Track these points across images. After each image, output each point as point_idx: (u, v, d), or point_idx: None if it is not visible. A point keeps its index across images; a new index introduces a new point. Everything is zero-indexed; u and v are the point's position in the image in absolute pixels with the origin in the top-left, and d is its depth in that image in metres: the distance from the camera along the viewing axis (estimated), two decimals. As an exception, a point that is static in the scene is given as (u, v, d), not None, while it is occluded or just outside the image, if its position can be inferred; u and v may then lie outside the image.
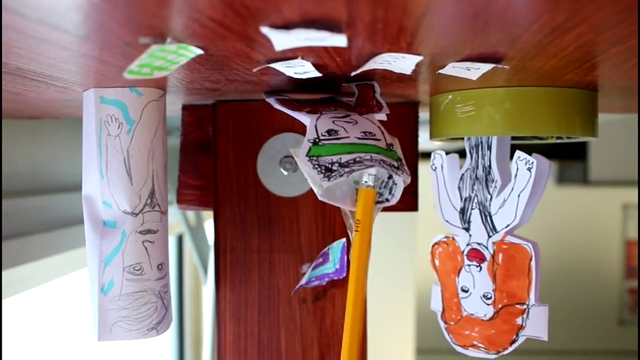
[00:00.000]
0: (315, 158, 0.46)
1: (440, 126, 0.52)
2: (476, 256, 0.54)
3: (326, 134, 0.48)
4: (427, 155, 0.60)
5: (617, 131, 2.67)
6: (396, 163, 0.48)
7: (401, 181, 0.49)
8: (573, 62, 0.37)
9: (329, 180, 0.45)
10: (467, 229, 0.55)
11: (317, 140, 0.48)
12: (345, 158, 0.47)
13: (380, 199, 0.50)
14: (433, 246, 0.57)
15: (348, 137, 0.48)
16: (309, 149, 0.47)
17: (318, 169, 0.46)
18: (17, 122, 0.81)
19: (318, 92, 0.52)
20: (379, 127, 0.50)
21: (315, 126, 0.48)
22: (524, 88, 0.47)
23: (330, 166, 0.46)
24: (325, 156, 0.47)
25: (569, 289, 2.96)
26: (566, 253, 2.96)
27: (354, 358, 0.47)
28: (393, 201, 0.50)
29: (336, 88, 0.50)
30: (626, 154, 2.72)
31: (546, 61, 0.37)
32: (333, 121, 0.49)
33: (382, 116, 0.51)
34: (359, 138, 0.48)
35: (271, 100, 0.50)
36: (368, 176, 0.48)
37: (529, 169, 0.50)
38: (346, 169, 0.46)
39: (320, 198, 0.48)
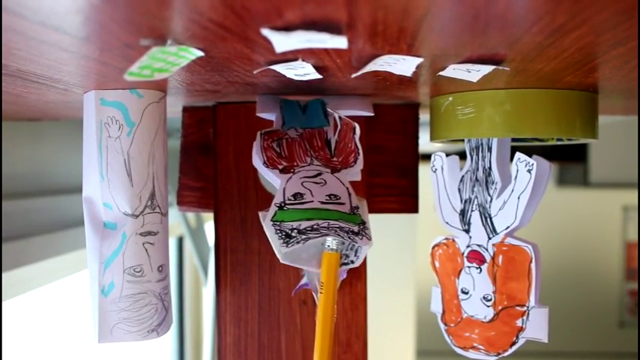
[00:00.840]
0: (278, 223, 0.49)
1: (440, 128, 0.52)
2: (476, 257, 0.54)
3: (292, 198, 0.50)
4: (427, 157, 0.60)
5: (617, 133, 2.67)
6: (356, 229, 0.50)
7: (364, 245, 0.50)
8: (574, 64, 0.37)
9: (287, 246, 0.47)
10: (467, 231, 0.55)
11: (282, 204, 0.50)
12: (303, 225, 0.49)
13: (345, 261, 0.51)
14: (433, 248, 0.57)
15: (312, 202, 0.50)
16: (275, 213, 0.49)
17: (279, 234, 0.48)
18: (17, 124, 0.81)
19: (310, 94, 0.53)
20: (347, 188, 0.52)
21: (284, 189, 0.51)
22: (524, 89, 0.47)
23: (289, 232, 0.48)
24: (287, 222, 0.49)
25: (569, 290, 2.96)
26: (566, 254, 2.96)
27: None
28: (358, 263, 0.52)
29: (330, 90, 0.50)
30: (627, 156, 2.72)
31: (547, 62, 0.37)
32: (302, 183, 0.51)
33: (356, 174, 0.53)
34: (322, 202, 0.51)
35: (254, 151, 0.52)
36: (332, 240, 0.50)
37: (529, 171, 0.50)
38: (303, 236, 0.48)
39: (282, 261, 0.49)
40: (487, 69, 0.36)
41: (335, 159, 0.53)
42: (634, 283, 2.96)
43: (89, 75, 0.40)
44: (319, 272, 0.50)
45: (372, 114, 0.54)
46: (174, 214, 1.36)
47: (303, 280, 0.59)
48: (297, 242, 0.48)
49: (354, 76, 0.40)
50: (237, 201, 0.63)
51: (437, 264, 0.57)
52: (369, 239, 0.50)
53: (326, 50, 0.33)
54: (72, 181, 0.94)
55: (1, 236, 0.75)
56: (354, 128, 0.52)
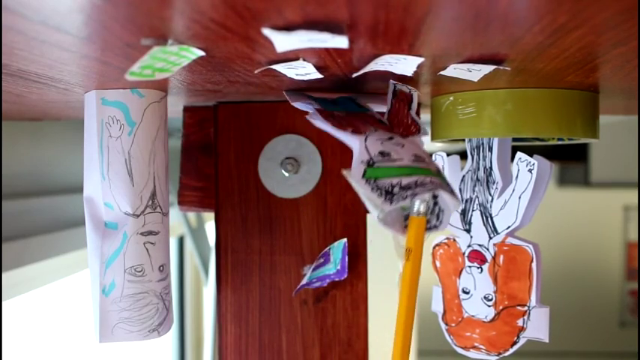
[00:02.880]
0: (372, 180, 0.44)
1: (441, 127, 0.52)
2: (477, 257, 0.54)
3: (379, 156, 0.45)
4: (428, 157, 0.60)
5: (618, 133, 2.67)
6: (448, 187, 0.46)
7: (448, 207, 0.46)
8: (575, 64, 0.37)
9: (391, 203, 0.43)
10: (468, 231, 0.55)
11: (371, 162, 0.45)
12: (405, 181, 0.44)
13: (428, 226, 0.47)
14: (434, 247, 0.57)
15: (402, 160, 0.46)
16: (365, 171, 0.44)
17: (378, 192, 0.43)
18: (18, 124, 0.81)
19: (338, 91, 0.51)
20: (424, 151, 0.48)
21: (366, 147, 0.45)
22: (525, 89, 0.47)
23: (390, 189, 0.43)
24: (383, 178, 0.44)
25: (570, 290, 2.96)
26: (567, 254, 2.95)
27: None
28: (441, 227, 0.47)
29: (359, 87, 0.49)
30: (628, 156, 2.71)
31: (547, 62, 0.37)
32: (381, 143, 0.46)
33: (424, 140, 0.49)
34: (412, 161, 0.46)
35: (311, 117, 0.48)
36: (419, 203, 0.46)
37: (530, 171, 0.50)
38: (409, 192, 0.44)
39: (380, 223, 0.45)
40: (488, 69, 0.36)
41: (396, 130, 0.49)
42: (634, 283, 2.95)
43: (90, 75, 0.40)
44: (402, 237, 0.46)
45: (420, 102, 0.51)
46: (175, 213, 1.36)
47: (304, 280, 0.59)
48: (404, 198, 0.43)
49: (355, 75, 0.40)
50: (238, 200, 0.63)
51: (438, 264, 0.57)
52: (458, 200, 0.46)
53: (327, 50, 0.33)
54: (73, 180, 0.94)
55: (1, 236, 0.75)
56: (410, 102, 0.48)
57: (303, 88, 0.50)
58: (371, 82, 0.46)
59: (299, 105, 0.49)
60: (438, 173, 0.46)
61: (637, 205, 2.83)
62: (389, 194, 0.43)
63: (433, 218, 0.47)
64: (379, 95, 0.52)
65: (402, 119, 0.49)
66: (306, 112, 0.49)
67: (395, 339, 0.46)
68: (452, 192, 0.45)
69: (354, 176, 0.44)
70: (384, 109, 0.50)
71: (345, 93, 0.51)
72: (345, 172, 0.44)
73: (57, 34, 0.28)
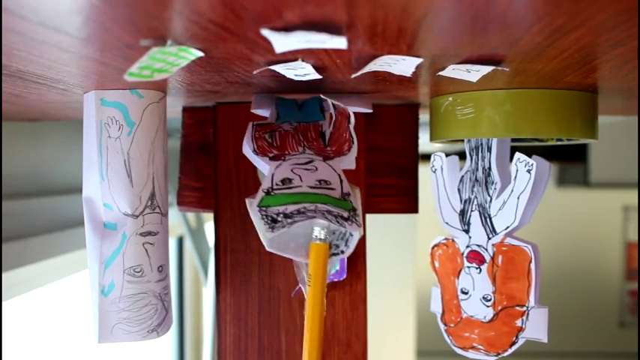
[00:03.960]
0: (264, 208, 0.47)
1: (440, 128, 0.52)
2: (475, 257, 0.54)
3: (280, 183, 0.49)
4: (427, 157, 0.60)
5: (617, 133, 2.67)
6: (345, 214, 0.48)
7: (355, 233, 0.48)
8: (573, 64, 0.37)
9: (272, 231, 0.46)
10: (466, 231, 0.55)
11: (270, 190, 0.48)
12: (290, 209, 0.47)
13: (335, 251, 0.49)
14: (433, 248, 0.57)
15: (300, 186, 0.49)
16: (262, 199, 0.48)
17: (265, 219, 0.46)
18: (18, 124, 0.81)
19: (310, 92, 0.52)
20: (340, 175, 0.51)
21: (272, 175, 0.50)
22: (524, 90, 0.47)
23: (275, 216, 0.46)
24: (274, 206, 0.47)
25: (569, 291, 2.96)
26: (566, 255, 2.95)
27: None
28: (348, 253, 0.49)
29: (329, 88, 0.50)
30: (627, 156, 2.72)
31: (546, 63, 0.37)
32: (291, 169, 0.50)
33: (350, 163, 0.52)
34: (311, 187, 0.49)
35: (244, 140, 0.52)
36: (319, 230, 0.48)
37: (529, 171, 0.50)
38: (289, 220, 0.46)
39: (267, 249, 0.47)
40: (487, 69, 0.36)
41: (328, 148, 0.52)
42: (634, 283, 2.95)
43: (89, 75, 0.40)
44: (308, 263, 0.49)
45: (371, 111, 0.54)
46: (174, 214, 1.36)
47: (303, 280, 0.59)
48: (283, 226, 0.46)
49: (353, 76, 0.40)
50: (238, 201, 0.63)
51: (436, 264, 0.57)
52: (359, 226, 0.48)
53: (326, 50, 0.33)
54: (72, 181, 0.94)
55: (1, 236, 0.75)
56: (349, 117, 0.51)
57: (274, 90, 0.51)
58: (369, 83, 0.46)
59: (259, 112, 0.53)
60: (343, 199, 0.49)
61: (636, 206, 2.83)
62: (273, 222, 0.46)
63: (342, 243, 0.49)
64: (352, 94, 0.53)
65: (342, 133, 0.52)
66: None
67: None
68: (348, 219, 0.47)
69: (252, 204, 0.48)
70: (352, 109, 0.53)
71: (317, 93, 0.53)
72: (247, 201, 0.49)
73: (56, 35, 0.28)
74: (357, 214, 0.48)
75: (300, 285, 0.58)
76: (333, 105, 0.51)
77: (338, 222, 0.47)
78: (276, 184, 0.49)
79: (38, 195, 0.86)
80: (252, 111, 0.53)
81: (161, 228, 0.51)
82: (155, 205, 0.50)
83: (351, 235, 0.49)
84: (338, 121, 0.52)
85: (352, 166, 0.52)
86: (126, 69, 0.32)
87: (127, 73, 0.31)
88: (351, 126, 0.52)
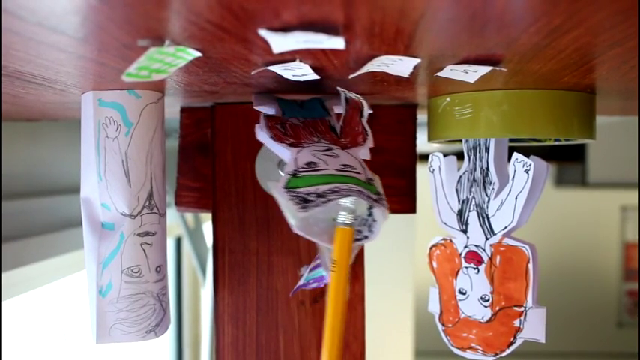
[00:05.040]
0: (292, 190, 0.46)
1: (438, 128, 0.52)
2: (473, 258, 0.54)
3: (305, 167, 0.48)
4: (425, 157, 0.60)
5: (615, 133, 2.67)
6: (374, 197, 0.47)
7: (380, 217, 0.47)
8: (571, 64, 0.37)
9: (305, 210, 0.44)
10: (464, 231, 0.55)
11: (295, 173, 0.47)
12: (322, 188, 0.46)
13: (359, 237, 0.48)
14: (431, 248, 0.57)
15: (327, 169, 0.48)
16: (288, 181, 0.46)
17: (295, 200, 0.45)
18: (16, 124, 0.81)
19: (308, 92, 0.52)
20: (360, 162, 0.50)
21: (295, 159, 0.48)
22: (522, 90, 0.47)
23: (306, 196, 0.45)
24: (303, 187, 0.46)
25: (567, 291, 2.96)
26: (564, 255, 2.96)
27: None
28: (372, 238, 0.48)
29: (328, 89, 0.50)
30: (625, 156, 2.72)
31: (544, 63, 0.37)
32: (313, 155, 0.49)
33: (366, 153, 0.51)
34: (338, 170, 0.48)
35: (257, 128, 0.51)
36: (345, 215, 0.47)
37: (526, 172, 0.50)
38: (323, 199, 0.45)
39: (295, 230, 0.45)
40: (484, 69, 0.36)
41: (342, 140, 0.51)
42: (632, 284, 2.96)
43: (87, 75, 0.40)
44: (331, 248, 0.47)
45: (370, 111, 0.54)
46: (172, 214, 1.35)
47: (301, 281, 0.59)
48: (317, 205, 0.44)
49: (351, 76, 0.40)
50: (236, 201, 0.63)
51: (434, 264, 0.57)
52: (387, 209, 0.46)
53: (323, 51, 0.33)
54: (70, 181, 0.94)
55: (1, 236, 0.75)
56: (362, 109, 0.50)
57: (273, 90, 0.50)
58: (367, 83, 0.46)
59: (262, 109, 0.52)
60: (368, 183, 0.47)
61: (635, 206, 2.83)
62: (304, 202, 0.44)
63: (365, 229, 0.48)
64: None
65: (354, 127, 0.51)
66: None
67: (323, 355, 0.46)
68: (378, 202, 0.46)
69: (277, 187, 0.46)
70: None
71: (317, 94, 0.53)
72: (270, 184, 0.47)
73: (54, 35, 0.28)
74: (382, 198, 0.47)
75: (297, 285, 0.58)
76: (346, 98, 0.50)
77: (370, 202, 0.46)
78: (302, 167, 0.47)
79: (37, 195, 0.86)
80: (255, 107, 0.52)
81: (159, 228, 0.51)
82: (153, 205, 0.50)
83: (375, 220, 0.47)
84: (349, 115, 0.51)
85: (367, 156, 0.51)
86: (124, 69, 0.32)
87: (125, 73, 0.31)
88: (364, 120, 0.51)
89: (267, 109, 0.52)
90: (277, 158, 0.62)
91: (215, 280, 0.63)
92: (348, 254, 0.47)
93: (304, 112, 0.53)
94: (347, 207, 0.46)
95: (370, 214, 0.47)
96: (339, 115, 0.52)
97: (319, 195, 0.45)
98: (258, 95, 0.53)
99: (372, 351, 0.69)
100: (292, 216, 0.45)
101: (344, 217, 0.47)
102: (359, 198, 0.45)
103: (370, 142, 0.51)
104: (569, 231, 2.95)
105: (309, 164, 0.48)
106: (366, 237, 0.48)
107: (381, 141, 0.65)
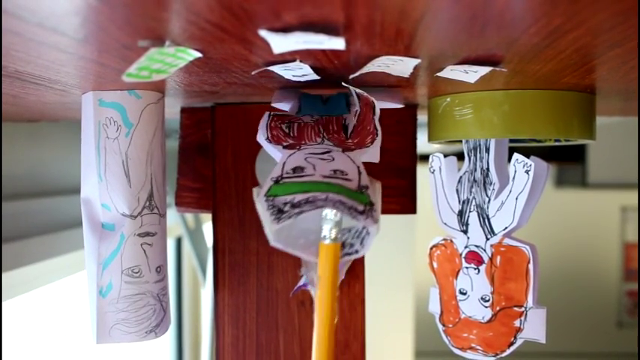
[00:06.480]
0: (271, 198, 0.43)
1: (438, 129, 0.52)
2: (474, 258, 0.54)
3: (290, 172, 0.45)
4: (425, 158, 0.60)
5: (615, 134, 2.68)
6: (361, 208, 0.42)
7: (373, 230, 0.42)
8: (571, 65, 0.37)
9: (278, 222, 0.41)
10: (465, 232, 0.55)
11: (279, 178, 0.44)
12: (298, 198, 0.42)
13: (349, 251, 0.44)
14: (431, 248, 0.57)
15: (312, 175, 0.44)
16: (269, 188, 0.44)
17: (271, 209, 0.42)
18: (16, 125, 0.81)
19: (331, 88, 0.51)
20: (358, 167, 0.47)
21: (284, 163, 0.46)
22: (522, 90, 0.47)
23: (282, 206, 0.42)
24: (281, 196, 0.43)
25: (567, 291, 2.96)
26: (564, 255, 2.96)
27: None
28: (363, 252, 0.44)
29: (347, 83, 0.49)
30: (625, 157, 2.72)
31: (544, 64, 0.37)
32: (305, 158, 0.46)
33: (375, 154, 0.48)
34: (325, 176, 0.44)
35: (259, 129, 0.49)
36: (329, 229, 0.42)
37: (527, 172, 0.50)
38: (296, 210, 0.41)
39: (272, 243, 0.42)
40: (484, 70, 0.36)
41: (350, 140, 0.49)
42: (632, 284, 2.96)
43: (87, 76, 0.40)
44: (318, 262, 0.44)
45: (402, 105, 0.50)
46: (172, 215, 1.36)
47: (302, 281, 0.59)
48: (289, 217, 0.41)
49: (352, 77, 0.40)
50: (236, 202, 0.63)
51: (435, 265, 0.57)
52: (376, 222, 0.42)
53: (323, 51, 0.33)
54: (70, 182, 0.94)
55: (1, 236, 0.75)
56: (374, 108, 0.47)
57: (297, 86, 0.50)
58: (367, 84, 0.46)
59: (279, 106, 0.50)
60: (359, 192, 0.44)
61: (635, 206, 2.83)
62: (279, 212, 0.41)
63: (357, 242, 0.44)
64: (381, 88, 0.51)
65: (367, 125, 0.48)
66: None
67: None
68: (363, 213, 0.42)
69: (259, 193, 0.43)
70: (387, 104, 0.50)
71: (339, 89, 0.51)
72: (254, 190, 0.44)
73: (54, 36, 0.28)
74: (374, 209, 0.43)
75: (298, 285, 0.58)
76: (358, 96, 0.48)
77: (350, 214, 0.42)
78: (287, 173, 0.45)
79: (37, 195, 0.86)
80: (273, 104, 0.50)
81: (159, 229, 0.51)
82: (153, 205, 0.50)
83: (368, 233, 0.44)
84: (363, 113, 0.49)
85: (376, 159, 0.48)
86: (124, 70, 0.32)
87: (125, 73, 0.31)
88: (376, 118, 0.48)
89: (284, 106, 0.50)
90: (277, 159, 0.62)
91: (215, 280, 0.63)
92: (335, 271, 0.43)
93: (326, 108, 0.50)
94: (329, 219, 0.43)
95: (364, 226, 0.44)
96: (355, 110, 0.50)
97: (293, 205, 0.42)
98: (280, 91, 0.51)
99: (372, 351, 0.68)
100: (268, 228, 0.42)
101: (328, 232, 0.43)
102: (333, 209, 0.42)
103: (378, 144, 0.48)
104: (569, 231, 2.95)
105: (295, 169, 0.45)
106: (357, 251, 0.45)
107: (382, 141, 0.65)
